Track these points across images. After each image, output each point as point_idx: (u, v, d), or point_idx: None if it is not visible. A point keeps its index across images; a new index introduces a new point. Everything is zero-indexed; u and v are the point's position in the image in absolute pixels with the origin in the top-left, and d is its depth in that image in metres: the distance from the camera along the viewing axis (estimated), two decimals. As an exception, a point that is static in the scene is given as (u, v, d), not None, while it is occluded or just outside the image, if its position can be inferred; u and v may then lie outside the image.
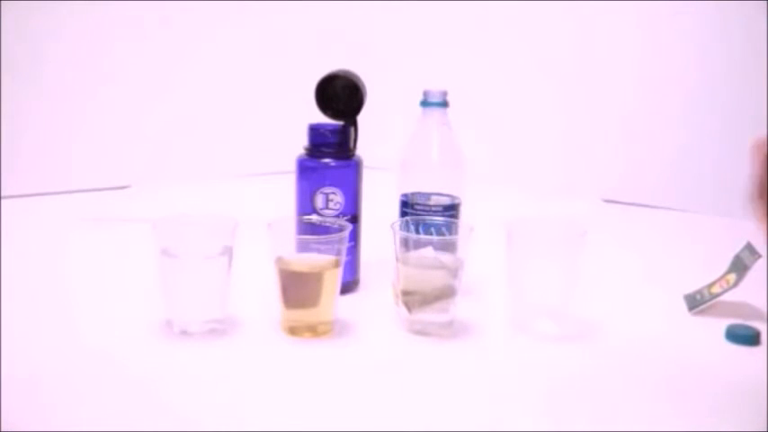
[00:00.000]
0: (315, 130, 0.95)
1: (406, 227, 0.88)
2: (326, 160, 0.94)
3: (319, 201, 0.93)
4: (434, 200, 0.96)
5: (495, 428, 0.68)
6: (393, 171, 0.99)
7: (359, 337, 0.86)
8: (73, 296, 0.95)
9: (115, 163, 1.53)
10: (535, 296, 0.87)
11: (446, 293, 0.85)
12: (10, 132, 1.39)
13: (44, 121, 1.45)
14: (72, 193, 1.46)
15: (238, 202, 1.12)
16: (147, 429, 0.66)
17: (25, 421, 0.66)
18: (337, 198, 0.93)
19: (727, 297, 0.91)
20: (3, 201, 1.31)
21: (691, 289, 0.96)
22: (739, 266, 0.91)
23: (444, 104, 0.97)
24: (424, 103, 0.97)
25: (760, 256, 0.89)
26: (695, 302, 0.94)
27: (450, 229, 0.89)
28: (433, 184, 0.97)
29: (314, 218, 0.91)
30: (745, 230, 0.74)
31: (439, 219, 0.91)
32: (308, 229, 0.88)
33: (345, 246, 0.85)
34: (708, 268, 0.96)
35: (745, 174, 0.69)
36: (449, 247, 0.86)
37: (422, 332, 0.85)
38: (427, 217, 0.93)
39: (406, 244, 0.85)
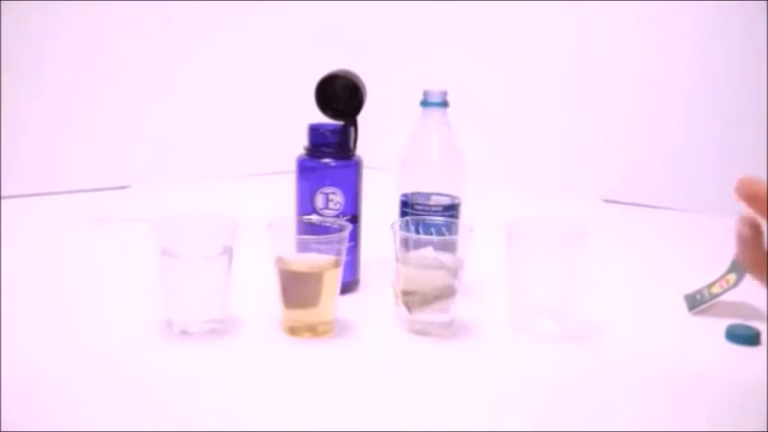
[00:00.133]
0: (315, 130, 0.95)
1: (406, 227, 0.88)
2: (326, 160, 0.94)
3: (319, 201, 0.93)
4: (434, 200, 0.96)
5: (495, 428, 0.68)
6: (393, 171, 0.99)
7: (359, 337, 0.86)
8: (73, 296, 0.95)
9: (115, 163, 1.53)
10: (535, 296, 0.87)
11: (446, 293, 0.85)
12: (10, 132, 1.39)
13: (44, 121, 1.45)
14: (72, 193, 1.46)
15: (238, 202, 1.11)
16: (147, 429, 0.66)
17: (25, 421, 0.66)
18: (337, 198, 0.93)
19: (727, 297, 0.91)
20: (3, 201, 1.31)
21: (691, 289, 0.96)
22: (739, 266, 0.91)
23: (444, 104, 0.97)
24: (424, 103, 0.97)
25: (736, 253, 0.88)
26: (695, 302, 0.94)
27: (450, 229, 0.89)
28: (433, 184, 0.97)
29: (314, 218, 0.91)
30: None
31: (439, 219, 0.91)
32: (308, 229, 0.88)
33: (345, 246, 0.85)
34: (708, 268, 0.95)
35: (744, 174, 0.68)
36: (449, 247, 0.86)
37: (422, 332, 0.85)
38: (427, 217, 0.93)
39: (406, 244, 0.85)
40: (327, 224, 0.88)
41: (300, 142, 0.96)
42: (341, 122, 0.95)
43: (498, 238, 0.88)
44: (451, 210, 0.96)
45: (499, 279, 0.90)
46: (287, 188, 0.96)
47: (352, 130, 0.96)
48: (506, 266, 0.88)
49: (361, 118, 0.96)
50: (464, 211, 0.97)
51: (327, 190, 0.93)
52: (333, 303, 0.85)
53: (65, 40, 1.46)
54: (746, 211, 0.62)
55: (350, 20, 1.64)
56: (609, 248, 1.14)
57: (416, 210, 0.95)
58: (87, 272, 1.05)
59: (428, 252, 0.84)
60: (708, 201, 1.41)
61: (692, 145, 1.47)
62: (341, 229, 0.85)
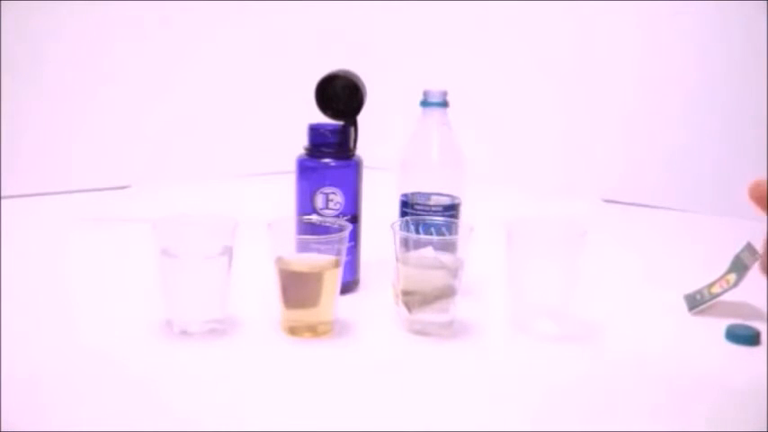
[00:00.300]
0: (315, 130, 0.95)
1: (406, 227, 0.88)
2: (326, 160, 0.94)
3: (319, 201, 0.93)
4: (434, 200, 0.96)
5: (495, 428, 0.68)
6: (393, 171, 0.99)
7: (359, 337, 0.86)
8: (73, 296, 0.95)
9: (115, 163, 1.53)
10: (535, 296, 0.87)
11: (446, 293, 0.85)
12: (10, 132, 1.39)
13: (44, 121, 1.45)
14: (72, 193, 1.46)
15: (238, 202, 1.11)
16: (147, 429, 0.66)
17: (25, 421, 0.66)
18: (337, 198, 0.93)
19: (727, 297, 0.91)
20: (3, 201, 1.31)
21: (691, 289, 0.96)
22: (739, 266, 0.91)
23: (444, 104, 0.97)
24: (424, 103, 0.97)
25: (760, 256, 0.89)
26: (695, 302, 0.94)
27: (450, 229, 0.89)
28: (433, 184, 0.97)
29: (314, 218, 0.91)
30: (745, 230, 0.74)
31: (439, 219, 0.91)
32: (308, 229, 0.88)
33: (345, 246, 0.85)
34: (708, 268, 0.96)
35: (744, 173, 0.68)
36: (449, 247, 0.86)
37: (422, 332, 0.85)
38: (427, 217, 0.93)
39: (406, 244, 0.85)
40: (327, 224, 0.88)
41: (300, 142, 0.96)
42: (341, 122, 0.95)
43: (498, 238, 0.88)
44: (451, 210, 0.96)
45: (499, 279, 0.90)
46: (287, 188, 0.96)
47: (352, 130, 0.96)
48: (506, 266, 0.88)
49: (361, 118, 0.96)
50: (464, 211, 0.97)
51: (327, 190, 0.93)
52: (333, 303, 0.85)
53: (65, 40, 1.46)
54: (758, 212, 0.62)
55: (350, 20, 1.64)
56: (609, 248, 1.14)
57: (416, 210, 0.95)
58: (87, 272, 1.05)
59: (428, 252, 0.84)
60: (708, 201, 1.42)
61: (692, 145, 1.46)
62: (341, 229, 0.85)
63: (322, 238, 0.85)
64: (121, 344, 0.82)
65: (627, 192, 1.52)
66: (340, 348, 0.82)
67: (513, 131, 1.61)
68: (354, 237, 0.95)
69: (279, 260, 0.84)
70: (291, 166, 0.96)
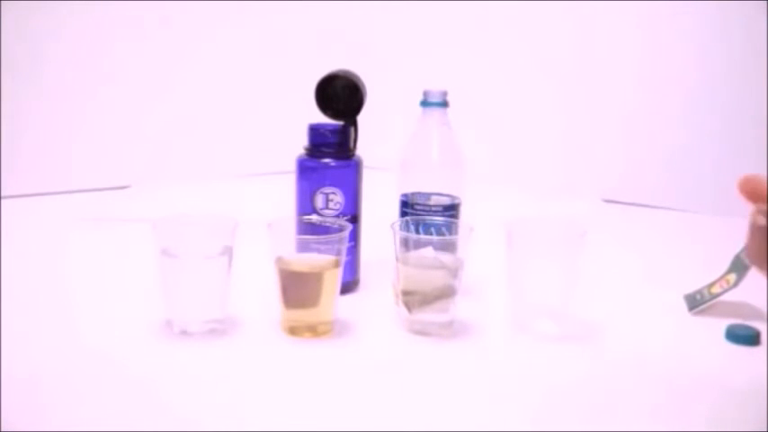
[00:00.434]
0: (315, 130, 0.95)
1: (406, 227, 0.88)
2: (326, 160, 0.94)
3: (319, 201, 0.93)
4: (434, 200, 0.96)
5: (495, 428, 0.68)
6: (393, 171, 0.99)
7: (359, 337, 0.86)
8: (73, 296, 0.95)
9: (115, 163, 1.53)
10: (535, 296, 0.87)
11: (446, 293, 0.85)
12: (10, 132, 1.39)
13: (44, 121, 1.45)
14: (72, 193, 1.46)
15: (238, 202, 1.11)
16: (147, 429, 0.66)
17: (25, 421, 0.66)
18: (337, 198, 0.93)
19: (727, 297, 0.91)
20: (3, 201, 1.31)
21: (691, 289, 0.96)
22: (739, 266, 0.91)
23: (444, 104, 0.97)
24: (424, 103, 0.97)
25: (745, 244, 0.88)
26: (695, 302, 0.94)
27: (451, 229, 0.89)
28: (433, 184, 0.97)
29: (314, 218, 0.91)
30: (745, 230, 0.74)
31: (439, 219, 0.91)
32: (308, 229, 0.88)
33: (345, 246, 0.85)
34: (708, 268, 0.95)
35: (744, 174, 0.68)
36: (449, 247, 0.86)
37: (422, 332, 0.85)
38: (427, 217, 0.93)
39: (406, 244, 0.85)
40: (327, 224, 0.88)
41: (300, 142, 0.96)
42: (341, 122, 0.95)
43: (498, 238, 0.88)
44: (451, 210, 0.96)
45: (499, 279, 0.90)
46: (287, 188, 0.96)
47: (352, 130, 0.96)
48: (506, 266, 0.88)
49: (361, 118, 0.96)
50: (464, 211, 0.97)
51: (327, 190, 0.93)
52: (333, 303, 0.85)
53: (65, 40, 1.46)
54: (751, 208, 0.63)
55: (350, 20, 1.64)
56: (609, 248, 1.14)
57: (416, 210, 0.95)
58: (87, 272, 1.05)
59: (428, 252, 0.84)
60: (708, 201, 1.42)
61: (692, 145, 1.47)
62: (341, 229, 0.85)
63: (322, 238, 0.85)
64: (121, 344, 0.82)
65: (627, 192, 1.52)
66: (340, 348, 0.82)
67: (513, 131, 1.61)
68: (354, 237, 0.95)
69: (279, 260, 0.84)
70: (291, 166, 0.96)
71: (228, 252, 0.84)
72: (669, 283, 1.01)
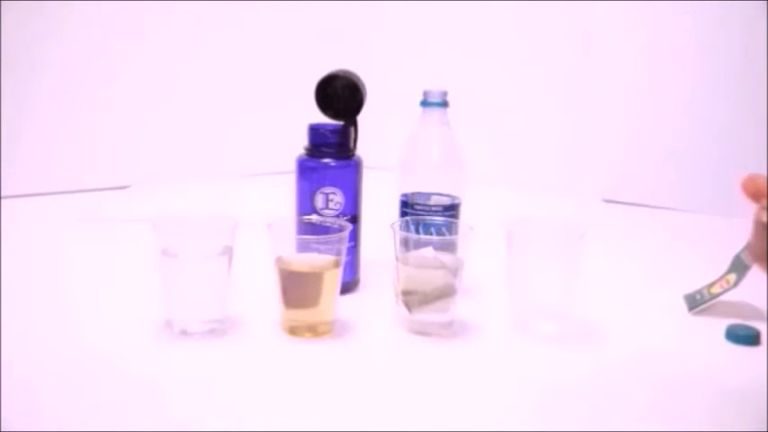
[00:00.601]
0: (315, 130, 0.95)
1: (406, 227, 0.88)
2: (326, 160, 0.94)
3: (319, 201, 0.93)
4: (434, 200, 0.96)
5: (495, 428, 0.68)
6: (393, 171, 0.99)
7: (359, 337, 0.86)
8: (73, 296, 0.95)
9: (115, 163, 1.53)
10: (535, 296, 0.87)
11: (446, 293, 0.85)
12: (10, 132, 1.39)
13: (44, 121, 1.45)
14: (72, 193, 1.46)
15: (238, 202, 1.12)
16: (147, 429, 0.66)
17: (25, 421, 0.66)
18: (337, 198, 0.93)
19: (727, 297, 0.91)
20: (3, 201, 1.31)
21: (691, 289, 0.96)
22: (739, 266, 0.91)
23: (444, 104, 0.97)
24: (424, 103, 0.97)
25: (747, 242, 0.88)
26: (695, 302, 0.94)
27: (451, 229, 0.89)
28: (433, 184, 0.97)
29: (314, 218, 0.91)
30: (745, 230, 0.74)
31: (439, 219, 0.91)
32: (308, 229, 0.88)
33: (345, 246, 0.85)
34: (708, 268, 0.95)
35: (744, 173, 0.68)
36: (449, 247, 0.86)
37: (422, 332, 0.85)
38: (427, 217, 0.93)
39: (406, 244, 0.85)
40: (327, 224, 0.88)
41: (300, 142, 0.96)
42: (341, 122, 0.95)
43: (498, 238, 0.88)
44: (451, 210, 0.96)
45: (499, 279, 0.90)
46: (287, 188, 0.96)
47: (352, 130, 0.96)
48: (506, 267, 0.88)
49: (361, 118, 0.96)
50: (464, 212, 0.97)
51: (327, 190, 0.93)
52: (333, 303, 0.85)
53: (65, 41, 1.46)
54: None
55: (350, 20, 1.64)
56: (609, 248, 1.14)
57: (416, 210, 0.96)
58: (87, 272, 1.05)
59: (428, 252, 0.84)
60: (708, 201, 1.42)
61: (692, 145, 1.46)
62: (341, 229, 0.85)
63: (322, 238, 0.85)
64: (121, 344, 0.82)
65: (627, 192, 1.52)
66: (340, 348, 0.82)
67: (513, 131, 1.61)
68: (354, 237, 0.95)
69: (279, 260, 0.84)
70: (291, 166, 0.96)
71: (228, 252, 0.84)
72: (669, 283, 1.01)
